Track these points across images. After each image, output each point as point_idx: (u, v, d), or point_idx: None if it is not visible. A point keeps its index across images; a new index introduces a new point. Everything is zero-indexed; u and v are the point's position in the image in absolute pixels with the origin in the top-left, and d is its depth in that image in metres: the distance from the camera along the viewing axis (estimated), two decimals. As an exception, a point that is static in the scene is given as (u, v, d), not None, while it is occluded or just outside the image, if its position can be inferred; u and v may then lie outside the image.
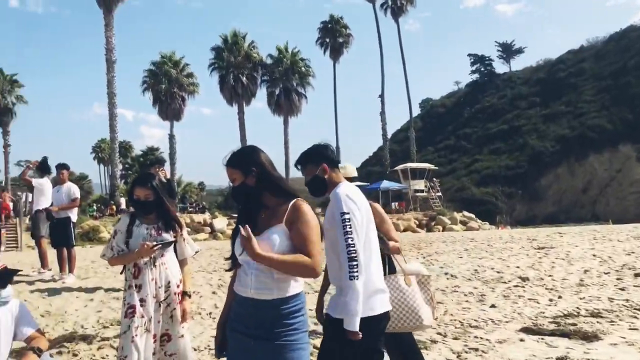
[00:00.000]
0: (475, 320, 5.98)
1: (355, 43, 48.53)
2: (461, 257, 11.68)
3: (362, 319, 2.44)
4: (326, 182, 2.74)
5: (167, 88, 41.45)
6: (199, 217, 28.19)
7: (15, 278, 8.77)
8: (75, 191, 8.51)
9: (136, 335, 3.29)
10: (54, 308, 6.63)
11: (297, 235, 2.28)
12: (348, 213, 2.52)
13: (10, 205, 24.23)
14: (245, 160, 2.41)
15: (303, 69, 43.34)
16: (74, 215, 8.58)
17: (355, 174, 3.53)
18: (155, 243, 3.37)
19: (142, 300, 3.37)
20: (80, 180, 64.05)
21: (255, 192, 2.39)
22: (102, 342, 5.15)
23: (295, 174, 3.80)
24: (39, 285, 8.06)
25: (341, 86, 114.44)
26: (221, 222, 27.59)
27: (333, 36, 46.91)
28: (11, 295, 3.06)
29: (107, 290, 7.60)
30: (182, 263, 3.60)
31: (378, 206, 3.46)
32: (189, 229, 25.13)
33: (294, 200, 2.35)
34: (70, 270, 8.37)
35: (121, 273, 3.54)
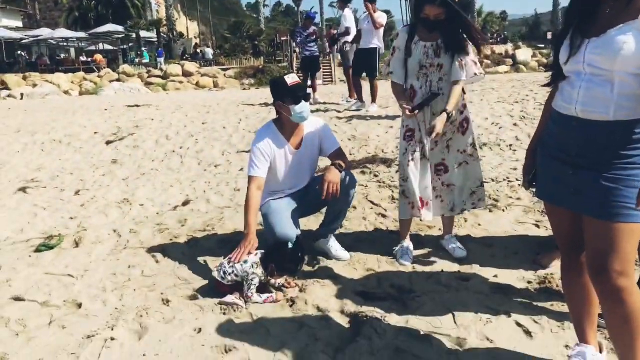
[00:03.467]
0: None
1: None
2: None
3: None
4: None
5: None
6: (500, 49, 26.34)
7: (326, 107, 9.72)
8: (381, 17, 8.44)
9: (412, 159, 3.12)
10: (359, 133, 7.11)
11: None
12: None
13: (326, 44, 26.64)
14: None
15: None
16: (382, 45, 8.63)
17: None
18: (416, 105, 3.06)
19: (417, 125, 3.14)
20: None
21: None
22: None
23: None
24: (346, 113, 8.77)
25: None
26: (525, 54, 25.15)
27: None
28: (308, 112, 3.16)
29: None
30: (454, 84, 3.09)
31: None
32: (489, 62, 23.81)
33: None
34: (373, 100, 8.77)
35: None
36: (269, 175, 3.20)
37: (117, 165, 6.42)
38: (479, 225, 3.76)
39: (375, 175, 5.13)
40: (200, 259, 3.39)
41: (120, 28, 31.52)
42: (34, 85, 20.57)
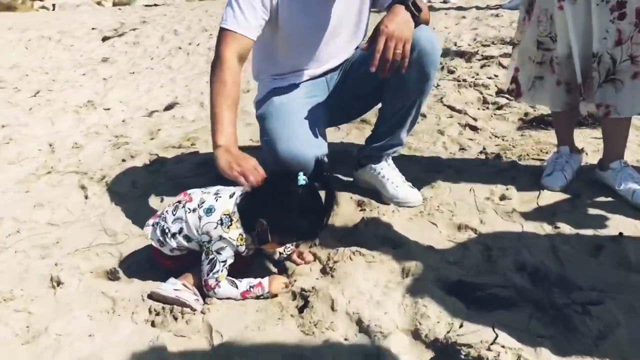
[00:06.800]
0: None
1: None
2: None
3: None
4: None
5: None
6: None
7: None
8: None
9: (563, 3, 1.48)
10: (421, 24, 5.33)
11: None
12: None
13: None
14: None
15: None
16: None
17: None
18: None
19: None
20: None
21: None
22: (485, 61, 3.60)
23: None
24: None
25: None
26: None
27: None
28: None
29: (480, 8, 5.92)
30: None
31: None
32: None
33: None
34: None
35: None
36: (270, 40, 1.62)
37: (107, 64, 4.96)
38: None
39: (451, 72, 3.46)
40: (156, 197, 1.93)
41: None
42: (66, -4, 19.16)
